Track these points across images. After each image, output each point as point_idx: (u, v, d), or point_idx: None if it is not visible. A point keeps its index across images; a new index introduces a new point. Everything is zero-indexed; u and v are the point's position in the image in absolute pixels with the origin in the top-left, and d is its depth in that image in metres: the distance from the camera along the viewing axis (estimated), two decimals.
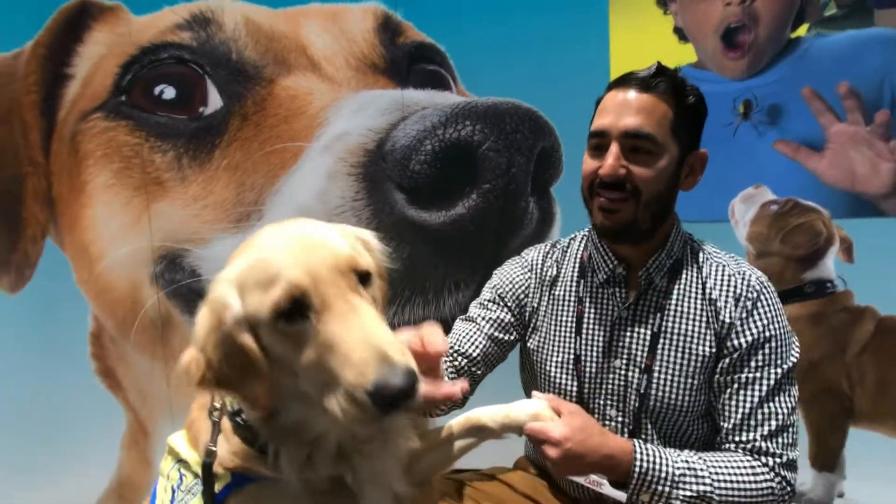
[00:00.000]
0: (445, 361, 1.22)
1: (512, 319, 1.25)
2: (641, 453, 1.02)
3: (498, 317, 1.25)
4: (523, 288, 1.26)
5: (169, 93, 2.01)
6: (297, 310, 0.71)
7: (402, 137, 1.99)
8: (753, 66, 1.97)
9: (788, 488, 1.04)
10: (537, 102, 2.06)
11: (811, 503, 2.05)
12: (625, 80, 1.12)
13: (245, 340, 0.72)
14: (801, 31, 1.93)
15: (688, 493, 1.00)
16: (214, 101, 2.03)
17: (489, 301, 1.28)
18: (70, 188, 2.01)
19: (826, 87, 1.89)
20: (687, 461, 1.03)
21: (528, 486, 1.25)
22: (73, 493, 2.12)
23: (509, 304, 1.26)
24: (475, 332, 1.23)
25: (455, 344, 1.22)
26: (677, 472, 1.01)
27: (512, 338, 1.25)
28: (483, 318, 1.25)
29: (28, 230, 1.99)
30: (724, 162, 2.02)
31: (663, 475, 1.01)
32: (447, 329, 1.21)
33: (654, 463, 1.01)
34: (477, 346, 1.22)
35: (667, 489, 1.01)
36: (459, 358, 1.21)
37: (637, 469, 1.01)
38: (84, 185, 2.01)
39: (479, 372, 1.23)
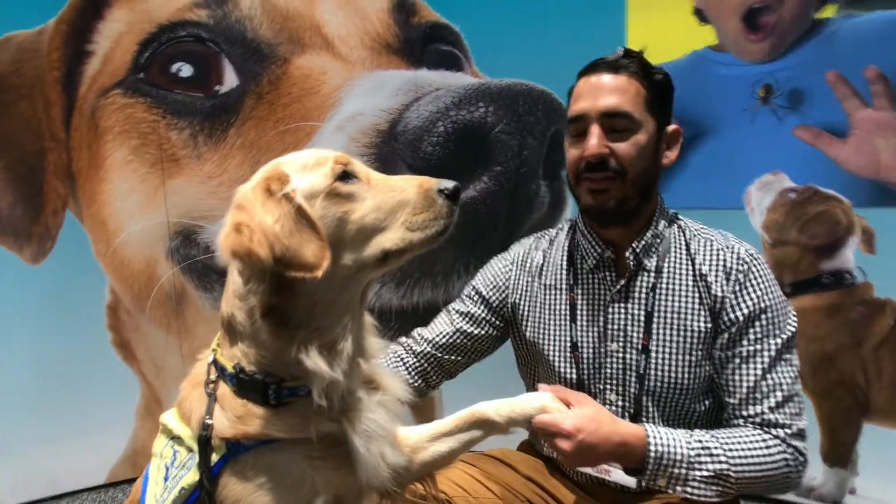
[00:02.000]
0: (406, 343, 1.30)
1: (485, 314, 1.27)
2: (655, 437, 1.01)
3: (469, 311, 1.28)
4: (504, 280, 1.28)
5: (186, 70, 2.04)
6: (346, 175, 0.83)
7: (415, 118, 1.99)
8: (775, 49, 1.92)
9: (801, 458, 1.04)
10: (552, 85, 2.04)
11: (822, 499, 2.01)
12: (594, 66, 1.14)
13: (304, 204, 0.78)
14: (828, 11, 1.87)
15: (704, 473, 1.00)
16: (230, 79, 2.05)
17: (466, 296, 1.31)
18: (89, 163, 2.06)
19: (852, 71, 1.83)
20: (700, 440, 1.02)
21: (532, 468, 1.25)
22: (90, 459, 2.19)
23: (487, 298, 1.28)
24: (444, 322, 1.30)
25: (424, 331, 1.31)
26: (692, 453, 1.00)
27: (484, 332, 1.27)
28: (455, 311, 1.30)
29: (49, 204, 2.05)
30: (740, 148, 1.98)
31: (678, 457, 1.00)
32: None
33: (668, 446, 1.00)
34: (442, 334, 1.28)
35: (683, 471, 1.00)
36: (423, 343, 1.28)
37: (652, 454, 1.00)
38: (103, 161, 2.06)
39: (446, 357, 1.27)
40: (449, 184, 0.85)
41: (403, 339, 1.32)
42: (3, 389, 2.06)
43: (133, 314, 2.14)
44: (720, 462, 1.00)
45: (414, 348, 1.29)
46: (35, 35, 2.01)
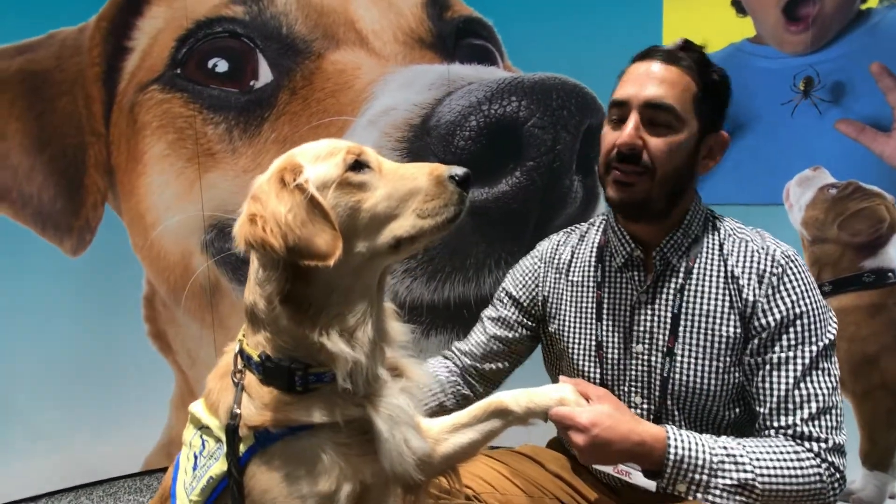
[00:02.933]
0: (445, 358, 1.30)
1: (517, 316, 1.26)
2: (675, 439, 0.96)
3: (501, 315, 1.27)
4: (532, 278, 1.26)
5: (222, 66, 2.07)
6: (358, 165, 0.84)
7: (448, 113, 1.99)
8: (817, 41, 1.87)
9: (837, 475, 0.98)
10: (585, 79, 2.02)
11: (861, 502, 1.96)
12: (650, 53, 1.09)
13: (317, 194, 0.80)
14: (873, 1, 1.82)
15: (727, 482, 0.95)
16: (265, 74, 2.08)
17: (497, 299, 1.30)
18: (128, 158, 2.10)
19: None
20: (725, 447, 0.97)
21: (560, 465, 1.23)
22: (126, 448, 2.24)
23: (518, 298, 1.26)
24: (479, 332, 1.29)
25: (461, 344, 1.30)
26: (715, 459, 0.95)
27: (518, 334, 1.26)
28: (488, 318, 1.29)
29: (89, 197, 2.10)
30: (780, 142, 1.93)
31: (700, 462, 0.95)
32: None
33: (690, 450, 0.96)
34: (478, 344, 1.27)
35: (704, 477, 0.95)
36: (461, 356, 1.28)
37: (671, 456, 0.95)
38: (141, 155, 2.10)
39: (487, 366, 1.26)
40: (459, 170, 0.85)
41: (443, 352, 1.32)
42: (42, 379, 2.11)
43: (169, 306, 2.18)
44: (746, 471, 0.95)
45: (454, 362, 1.28)
46: (77, 32, 2.06)
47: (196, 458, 0.89)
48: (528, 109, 1.97)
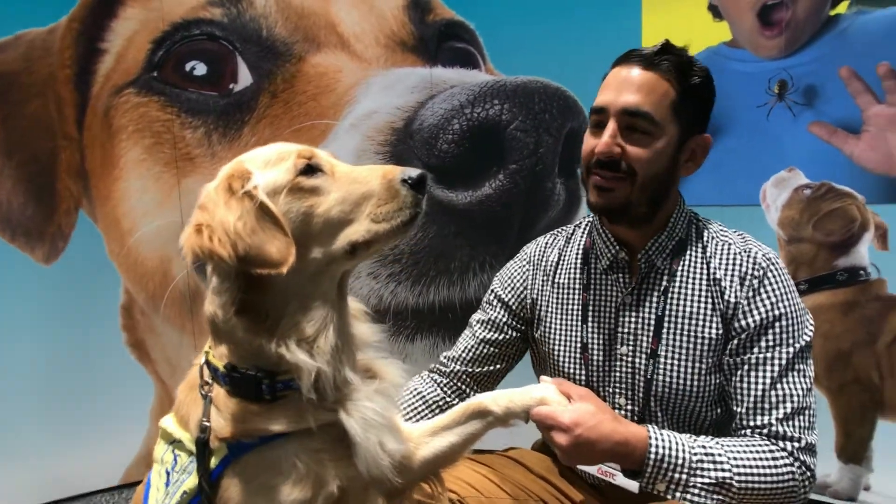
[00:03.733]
0: (435, 369, 1.29)
1: (506, 318, 1.26)
2: (657, 439, 0.97)
3: (490, 317, 1.26)
4: (520, 281, 1.26)
5: (200, 69, 2.03)
6: (310, 169, 0.83)
7: (430, 116, 1.99)
8: (790, 45, 1.92)
9: (808, 474, 0.99)
10: (567, 82, 2.04)
11: (836, 495, 2.01)
12: (629, 57, 1.08)
13: (267, 200, 0.79)
14: (842, 7, 1.88)
15: (706, 481, 0.96)
16: (244, 77, 2.05)
17: (486, 303, 1.30)
18: (103, 162, 2.05)
19: (866, 67, 1.84)
20: (704, 447, 0.98)
21: (545, 467, 1.24)
22: (105, 461, 2.18)
23: (506, 301, 1.26)
24: (468, 336, 1.28)
25: (449, 352, 1.29)
26: (694, 459, 0.96)
27: (508, 336, 1.26)
28: (477, 321, 1.28)
29: (62, 203, 2.04)
30: (756, 144, 1.98)
31: (680, 462, 0.96)
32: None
33: (670, 449, 0.96)
34: (467, 349, 1.26)
35: (684, 476, 0.96)
36: (451, 363, 1.27)
37: (652, 456, 0.96)
38: (117, 160, 2.05)
39: (478, 370, 1.26)
40: (413, 172, 0.84)
41: (432, 365, 1.31)
42: (17, 392, 2.04)
43: (147, 314, 2.13)
44: (723, 470, 0.96)
45: (444, 370, 1.27)
46: (46, 33, 2.00)
47: (168, 473, 0.87)
48: (510, 113, 1.98)
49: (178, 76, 2.03)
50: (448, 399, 1.24)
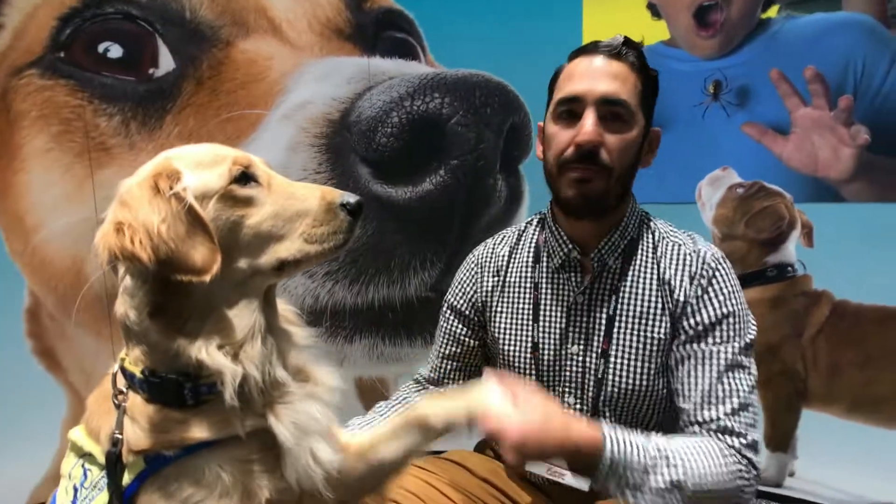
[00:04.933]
0: (415, 386, 1.30)
1: (462, 328, 1.24)
2: (611, 442, 0.94)
3: (449, 329, 1.26)
4: (470, 284, 1.24)
5: (115, 51, 1.87)
6: (245, 178, 0.80)
7: (368, 108, 1.91)
8: (725, 46, 1.97)
9: (754, 472, 1.00)
10: (507, 76, 2.01)
11: (765, 482, 2.10)
12: (593, 48, 1.07)
13: (196, 204, 0.75)
14: (772, 11, 1.93)
15: (660, 480, 0.94)
16: (166, 62, 1.90)
17: (442, 314, 1.28)
18: (1, 152, 1.85)
19: (794, 70, 1.90)
20: (658, 447, 0.96)
21: (489, 469, 1.21)
22: (11, 481, 1.99)
23: (460, 309, 1.24)
24: (434, 357, 1.28)
25: (422, 370, 1.31)
26: (649, 460, 0.95)
27: (471, 344, 1.25)
28: (439, 335, 1.28)
29: None
30: (692, 143, 2.02)
31: (634, 464, 0.94)
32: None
33: (625, 452, 0.94)
34: (434, 369, 1.28)
35: (637, 478, 0.94)
36: (425, 382, 1.29)
37: (608, 460, 0.94)
38: (18, 149, 1.85)
39: (452, 382, 1.26)
40: (352, 198, 0.83)
41: (415, 376, 1.31)
42: None
43: (58, 319, 1.95)
44: (677, 471, 0.95)
45: (421, 391, 1.27)
46: None
47: (76, 490, 0.80)
48: (451, 107, 1.93)
49: (90, 58, 1.85)
50: None
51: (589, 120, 1.03)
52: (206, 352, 0.75)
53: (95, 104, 1.87)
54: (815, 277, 1.98)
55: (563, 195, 1.09)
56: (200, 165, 0.78)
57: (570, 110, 1.06)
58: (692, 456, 0.97)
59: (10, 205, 1.88)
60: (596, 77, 1.03)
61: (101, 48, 1.86)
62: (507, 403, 0.90)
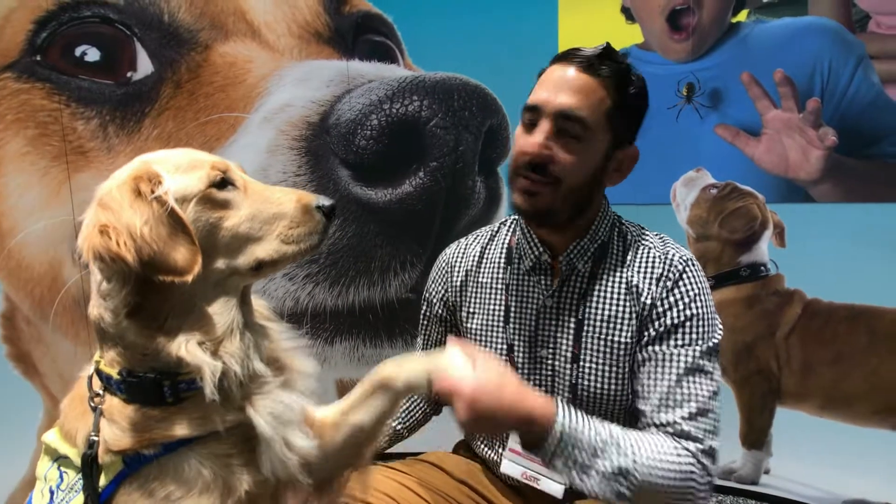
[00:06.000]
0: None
1: (439, 325, 1.27)
2: (564, 416, 0.92)
3: (428, 334, 1.28)
4: (442, 283, 1.25)
5: (92, 54, 1.86)
6: (223, 182, 0.83)
7: (347, 111, 1.92)
8: (697, 49, 2.01)
9: (708, 478, 0.97)
10: (484, 79, 2.03)
11: (741, 480, 2.12)
12: (569, 56, 1.05)
13: (178, 208, 0.77)
14: (742, 16, 1.98)
15: (608, 465, 0.92)
16: (144, 65, 1.90)
17: (421, 316, 1.29)
18: None
19: (764, 73, 1.95)
20: (611, 433, 0.95)
21: (465, 471, 1.21)
22: None
23: (435, 306, 1.26)
24: (419, 352, 1.30)
25: None
26: (600, 443, 0.93)
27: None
28: (420, 332, 1.30)
29: None
30: (666, 145, 2.05)
31: (583, 442, 0.92)
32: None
33: (576, 428, 0.92)
34: None
35: (586, 458, 0.92)
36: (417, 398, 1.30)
37: (557, 432, 0.91)
38: None
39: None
40: (326, 201, 0.87)
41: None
42: None
43: (34, 323, 1.93)
44: (626, 458, 0.93)
45: (415, 399, 1.28)
46: None
47: (52, 493, 0.80)
48: (430, 109, 1.95)
49: (67, 62, 1.85)
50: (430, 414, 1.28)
51: (539, 132, 1.02)
52: (186, 349, 0.76)
53: (73, 107, 1.87)
54: (787, 277, 2.02)
55: (514, 202, 1.09)
56: (179, 169, 0.80)
57: (532, 118, 1.05)
58: (645, 448, 0.95)
59: None
60: (559, 88, 1.02)
61: (78, 51, 1.86)
62: (466, 366, 0.90)
